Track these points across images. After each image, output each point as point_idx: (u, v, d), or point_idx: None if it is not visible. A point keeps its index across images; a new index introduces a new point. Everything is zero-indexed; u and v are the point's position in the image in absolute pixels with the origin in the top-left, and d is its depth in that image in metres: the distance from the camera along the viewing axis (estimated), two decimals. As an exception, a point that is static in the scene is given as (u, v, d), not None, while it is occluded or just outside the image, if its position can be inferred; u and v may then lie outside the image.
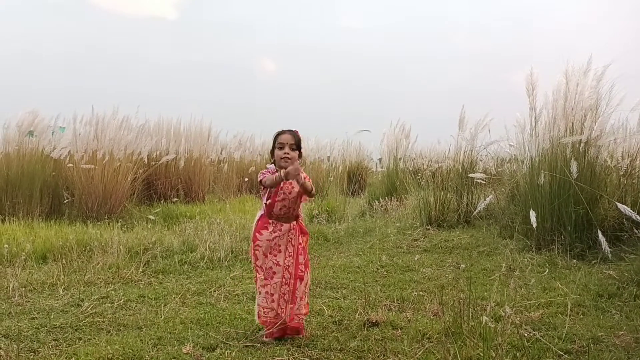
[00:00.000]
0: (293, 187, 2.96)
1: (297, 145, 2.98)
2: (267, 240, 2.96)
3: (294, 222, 3.02)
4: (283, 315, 2.92)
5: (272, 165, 3.04)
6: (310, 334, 3.02)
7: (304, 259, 3.03)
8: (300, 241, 3.01)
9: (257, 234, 3.00)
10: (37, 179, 7.36)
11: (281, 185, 2.93)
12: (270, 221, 2.99)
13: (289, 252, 2.97)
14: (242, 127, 13.98)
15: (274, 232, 2.97)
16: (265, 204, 2.99)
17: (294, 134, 3.00)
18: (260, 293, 2.98)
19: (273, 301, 2.93)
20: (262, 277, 2.97)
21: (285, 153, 2.94)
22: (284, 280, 2.95)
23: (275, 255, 2.96)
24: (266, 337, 2.93)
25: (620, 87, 5.00)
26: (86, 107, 8.24)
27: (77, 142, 7.73)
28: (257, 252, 2.98)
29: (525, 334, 2.76)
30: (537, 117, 5.41)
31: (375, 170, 14.10)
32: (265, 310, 2.94)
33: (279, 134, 3.01)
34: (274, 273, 2.95)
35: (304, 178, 2.90)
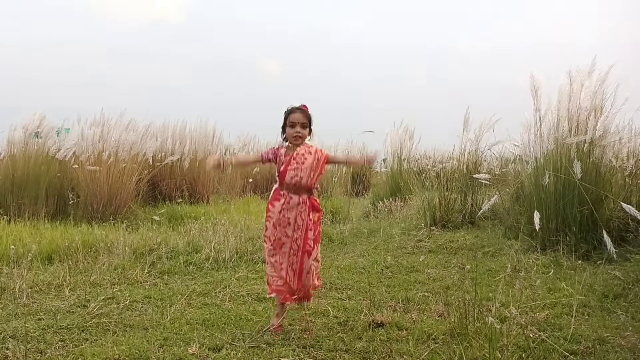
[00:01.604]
0: (306, 158, 3.03)
1: (308, 123, 3.08)
2: (277, 212, 3.05)
3: (305, 196, 3.07)
4: (292, 285, 3.03)
5: (270, 151, 3.15)
6: (316, 335, 3.03)
7: (314, 234, 3.08)
8: (311, 217, 3.07)
9: (269, 205, 3.10)
10: (43, 180, 7.40)
11: (294, 154, 3.03)
12: (282, 192, 3.07)
13: (298, 225, 3.04)
14: (246, 127, 14.02)
15: (284, 205, 3.04)
16: (278, 173, 3.09)
17: (304, 111, 3.08)
18: (268, 263, 3.09)
19: (282, 269, 3.04)
20: (271, 246, 3.07)
21: (296, 132, 3.04)
22: (292, 251, 3.04)
23: (285, 227, 3.04)
24: (280, 302, 3.07)
25: (625, 87, 4.99)
26: (90, 109, 8.30)
27: (82, 143, 7.77)
28: (267, 222, 3.10)
29: (531, 335, 2.75)
30: (541, 118, 5.40)
31: (379, 171, 14.11)
32: (274, 278, 3.05)
33: (290, 112, 3.09)
34: (283, 244, 3.05)
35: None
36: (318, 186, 3.22)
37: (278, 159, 3.10)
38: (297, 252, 3.04)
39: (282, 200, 3.05)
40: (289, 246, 3.04)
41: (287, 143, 3.12)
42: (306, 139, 3.11)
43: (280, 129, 3.16)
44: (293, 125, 3.04)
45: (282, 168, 3.06)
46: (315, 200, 3.14)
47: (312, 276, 3.12)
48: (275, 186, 3.14)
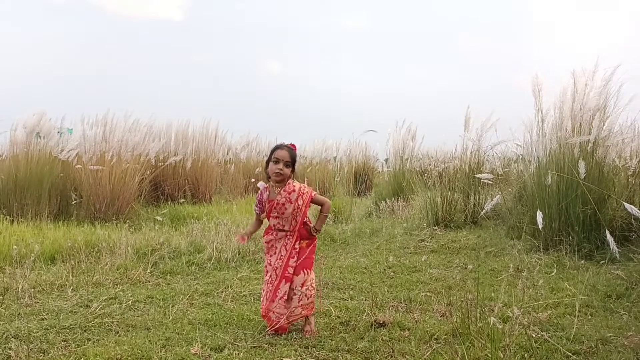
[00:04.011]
0: (286, 208, 3.07)
1: (292, 162, 3.09)
2: (266, 242, 3.17)
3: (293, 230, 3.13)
4: (262, 311, 3.11)
5: (262, 184, 3.22)
6: (318, 335, 3.03)
7: (298, 260, 3.09)
8: (296, 246, 3.10)
9: (264, 235, 3.22)
10: (46, 180, 7.42)
11: (275, 203, 3.08)
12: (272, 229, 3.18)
13: (281, 255, 3.10)
14: (248, 127, 14.05)
15: (272, 236, 3.15)
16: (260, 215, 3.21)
17: (291, 150, 3.11)
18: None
19: (262, 295, 3.16)
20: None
21: (279, 169, 3.05)
22: (269, 279, 3.10)
23: (271, 256, 3.13)
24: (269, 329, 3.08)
25: (629, 87, 4.98)
26: (93, 109, 8.32)
27: (85, 144, 7.78)
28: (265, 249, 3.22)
29: (534, 335, 2.75)
30: (543, 118, 5.39)
31: (381, 171, 14.11)
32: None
33: (276, 148, 3.13)
34: (266, 272, 3.14)
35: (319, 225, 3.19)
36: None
37: (261, 205, 3.17)
38: (274, 281, 3.08)
39: (272, 234, 3.15)
40: (269, 275, 3.11)
41: (269, 182, 3.14)
42: (290, 178, 3.11)
43: (265, 163, 3.19)
44: (277, 162, 3.06)
45: (265, 214, 3.16)
46: (306, 230, 3.14)
47: (297, 303, 3.05)
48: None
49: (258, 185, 3.25)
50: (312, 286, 3.12)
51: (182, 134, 10.13)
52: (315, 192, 3.18)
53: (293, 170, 3.12)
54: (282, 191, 3.06)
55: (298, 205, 3.07)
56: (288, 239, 3.10)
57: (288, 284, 3.06)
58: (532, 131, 5.58)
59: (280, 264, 3.08)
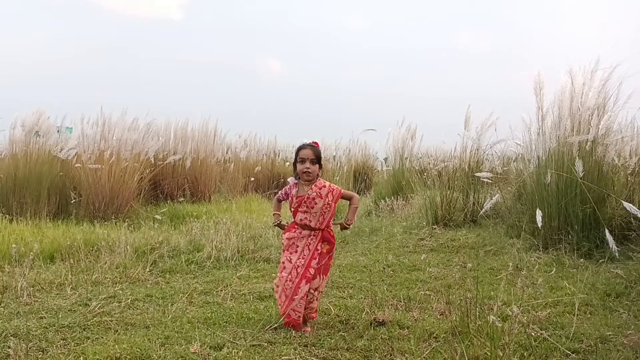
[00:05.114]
0: (316, 203, 3.10)
1: (317, 159, 3.13)
2: (287, 238, 3.16)
3: (317, 231, 3.14)
4: (279, 308, 3.12)
5: (292, 179, 3.24)
6: (317, 333, 3.03)
7: (318, 263, 3.11)
8: (319, 247, 3.13)
9: (283, 234, 3.22)
10: (45, 179, 7.41)
11: (305, 197, 3.11)
12: (296, 226, 3.18)
13: (304, 254, 3.11)
14: (248, 126, 14.03)
15: (295, 233, 3.15)
16: (290, 211, 3.21)
17: (314, 148, 3.16)
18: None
19: (276, 292, 3.16)
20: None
21: (306, 168, 3.10)
22: (289, 277, 3.10)
23: (291, 253, 3.13)
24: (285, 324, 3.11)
25: (628, 85, 4.98)
26: (93, 108, 8.30)
27: (84, 143, 7.77)
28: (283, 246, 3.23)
29: (533, 333, 2.75)
30: (543, 116, 5.39)
31: (381, 170, 14.09)
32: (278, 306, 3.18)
33: (300, 148, 3.17)
34: (284, 268, 3.13)
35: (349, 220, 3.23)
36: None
37: (290, 198, 3.18)
38: (295, 279, 3.09)
39: (294, 231, 3.16)
40: (289, 271, 3.10)
41: (299, 179, 3.19)
42: (318, 174, 3.17)
43: (292, 165, 3.24)
44: (303, 161, 3.12)
45: (293, 208, 3.16)
46: (329, 233, 3.18)
47: (309, 303, 3.11)
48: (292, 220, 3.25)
49: (288, 180, 3.28)
50: (322, 291, 3.23)
51: (181, 132, 10.11)
52: (342, 190, 3.22)
53: (320, 167, 3.17)
54: (313, 186, 3.12)
55: (328, 201, 3.11)
56: (311, 239, 3.13)
57: (308, 285, 3.08)
58: (531, 130, 5.58)
59: (302, 262, 3.10)
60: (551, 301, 3.51)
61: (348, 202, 3.26)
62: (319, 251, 3.13)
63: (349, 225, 3.24)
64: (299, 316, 3.06)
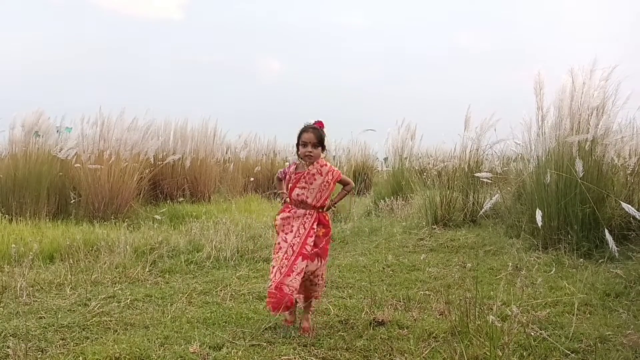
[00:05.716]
0: (315, 179, 3.09)
1: (319, 142, 3.11)
2: (282, 219, 3.14)
3: (312, 210, 3.12)
4: (272, 284, 3.00)
5: (287, 164, 3.25)
6: (317, 333, 3.03)
7: (315, 244, 3.09)
8: (315, 227, 3.10)
9: (277, 215, 3.19)
10: (44, 179, 7.41)
11: (305, 173, 3.10)
12: (290, 206, 3.16)
13: (299, 233, 3.08)
14: (248, 126, 14.01)
15: (289, 213, 3.13)
16: (287, 190, 3.18)
17: (316, 130, 3.13)
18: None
19: (272, 272, 3.06)
20: (274, 254, 3.14)
21: (308, 151, 3.09)
22: (286, 255, 3.05)
23: (286, 234, 3.09)
24: (272, 311, 2.99)
25: (627, 85, 4.98)
26: (92, 108, 8.30)
27: (83, 143, 7.77)
28: (276, 231, 3.19)
29: (532, 333, 2.75)
30: (543, 116, 5.39)
31: (380, 170, 14.09)
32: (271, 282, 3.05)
33: (302, 131, 3.14)
34: (280, 248, 3.08)
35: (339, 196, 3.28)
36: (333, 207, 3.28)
37: (287, 177, 3.18)
38: (291, 257, 3.03)
39: (289, 211, 3.14)
40: (285, 250, 3.05)
41: (300, 161, 3.19)
42: (320, 157, 3.16)
43: (295, 147, 3.23)
44: (305, 145, 3.10)
45: (290, 185, 3.14)
46: (325, 217, 3.17)
47: (311, 285, 3.12)
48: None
49: (288, 159, 3.30)
50: (322, 277, 3.18)
51: (181, 132, 10.10)
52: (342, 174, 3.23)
53: (323, 149, 3.16)
54: (315, 163, 3.12)
55: (327, 179, 3.12)
56: (307, 218, 3.10)
57: (305, 262, 3.03)
58: (531, 130, 5.58)
59: (298, 240, 3.06)
60: (551, 301, 3.51)
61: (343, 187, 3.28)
62: (315, 230, 3.09)
63: (334, 205, 3.24)
64: (292, 292, 2.96)
